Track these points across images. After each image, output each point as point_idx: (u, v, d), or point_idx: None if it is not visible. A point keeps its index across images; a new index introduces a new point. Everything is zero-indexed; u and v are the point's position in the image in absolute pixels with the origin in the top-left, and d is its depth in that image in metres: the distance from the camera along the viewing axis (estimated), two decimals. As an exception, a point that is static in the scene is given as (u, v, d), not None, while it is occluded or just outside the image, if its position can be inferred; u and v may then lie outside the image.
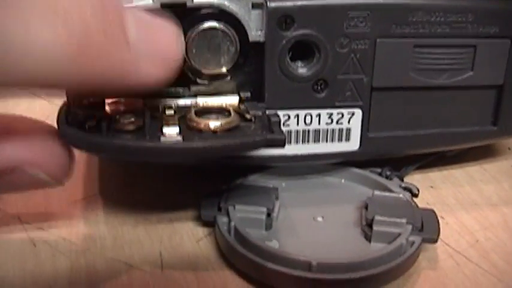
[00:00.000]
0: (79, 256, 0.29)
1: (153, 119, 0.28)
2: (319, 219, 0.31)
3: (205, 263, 0.29)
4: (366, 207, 0.30)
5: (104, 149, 0.26)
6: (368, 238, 0.29)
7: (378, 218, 0.29)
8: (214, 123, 0.27)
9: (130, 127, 0.27)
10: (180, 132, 0.26)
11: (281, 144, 0.26)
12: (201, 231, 0.31)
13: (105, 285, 0.28)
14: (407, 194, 0.32)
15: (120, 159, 0.33)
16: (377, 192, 0.31)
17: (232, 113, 0.28)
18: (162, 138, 0.26)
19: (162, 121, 0.27)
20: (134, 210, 0.33)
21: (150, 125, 0.27)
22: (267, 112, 0.28)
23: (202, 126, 0.27)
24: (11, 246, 0.30)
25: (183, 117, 0.28)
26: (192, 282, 0.28)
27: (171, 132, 0.26)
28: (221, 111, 0.28)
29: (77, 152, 0.36)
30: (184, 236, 0.31)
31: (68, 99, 0.29)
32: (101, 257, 0.29)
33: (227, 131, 0.27)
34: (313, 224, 0.30)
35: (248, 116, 0.28)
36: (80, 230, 0.31)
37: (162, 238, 0.31)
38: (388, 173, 0.33)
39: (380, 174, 0.33)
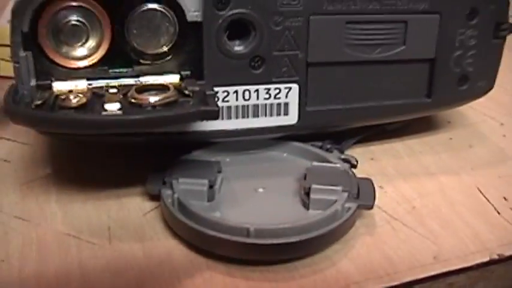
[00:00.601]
0: (30, 231, 0.30)
1: (96, 97, 0.29)
2: (260, 190, 0.32)
3: (151, 235, 0.30)
4: (305, 178, 0.31)
5: (47, 123, 0.27)
6: (306, 206, 0.31)
7: (314, 186, 0.30)
8: (153, 98, 0.28)
9: (74, 104, 0.28)
10: (121, 108, 0.28)
11: (215, 115, 0.27)
12: (148, 206, 0.32)
13: (55, 258, 0.29)
14: (346, 165, 0.33)
15: (65, 136, 0.34)
16: (315, 163, 0.32)
17: (172, 89, 0.29)
18: (103, 113, 0.27)
19: (104, 99, 0.29)
20: (84, 188, 0.34)
21: (92, 102, 0.28)
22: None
23: (142, 101, 0.28)
24: None
25: (125, 94, 0.29)
26: (138, 252, 0.29)
27: (112, 108, 0.28)
28: (161, 88, 0.30)
29: (28, 135, 0.37)
30: (132, 210, 0.32)
31: (16, 80, 0.30)
32: (52, 231, 0.31)
33: (166, 105, 0.28)
34: (254, 195, 0.32)
35: (186, 92, 0.29)
36: (32, 208, 0.32)
37: (110, 213, 0.32)
38: (329, 146, 0.34)
39: (321, 147, 0.34)
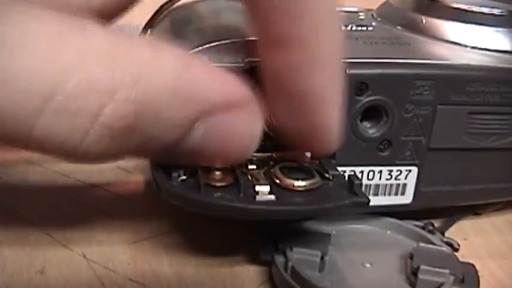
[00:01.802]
0: None
1: (240, 173, 0.30)
2: (367, 265, 0.33)
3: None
4: (411, 257, 0.32)
5: (201, 207, 0.28)
6: (413, 285, 0.32)
7: (423, 267, 0.32)
8: (299, 183, 0.29)
9: (223, 183, 0.29)
10: (272, 191, 0.29)
11: (366, 206, 0.29)
12: (259, 276, 0.33)
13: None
14: (449, 248, 0.34)
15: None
16: (422, 244, 0.34)
17: (313, 172, 0.30)
18: (257, 197, 0.28)
19: (250, 177, 0.30)
20: (196, 253, 0.34)
21: (239, 181, 0.29)
22: (346, 173, 0.31)
23: (289, 186, 0.29)
24: (80, 284, 0.31)
25: (266, 173, 0.30)
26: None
27: (263, 190, 0.29)
28: (301, 168, 0.31)
29: (137, 192, 0.38)
30: (245, 280, 0.33)
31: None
32: None
33: (311, 190, 0.29)
34: (361, 269, 0.33)
35: (327, 175, 0.31)
36: (145, 271, 0.32)
37: (225, 282, 0.32)
38: (431, 227, 0.36)
39: (423, 228, 0.36)
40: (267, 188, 0.29)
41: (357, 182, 0.30)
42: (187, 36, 0.32)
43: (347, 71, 0.31)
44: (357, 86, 0.31)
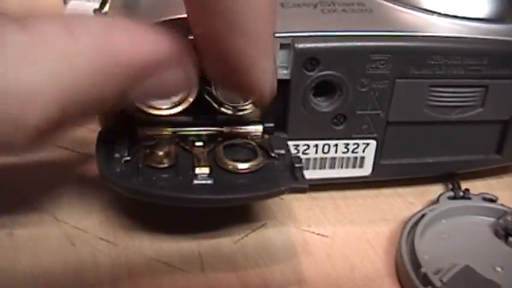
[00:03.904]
0: (119, 254, 0.31)
1: (184, 154, 0.30)
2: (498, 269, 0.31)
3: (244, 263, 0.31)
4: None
5: (140, 196, 0.29)
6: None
7: None
8: (242, 166, 0.29)
9: (164, 164, 0.29)
10: (211, 174, 0.29)
11: (304, 192, 0.28)
12: (237, 234, 0.33)
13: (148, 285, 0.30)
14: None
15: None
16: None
17: (259, 152, 0.30)
18: (195, 181, 0.28)
19: (193, 157, 0.30)
20: (170, 213, 0.34)
21: (181, 163, 0.29)
22: (291, 152, 0.31)
23: (231, 168, 0.29)
24: (50, 245, 0.31)
25: (211, 151, 0.30)
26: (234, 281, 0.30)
27: (203, 172, 0.29)
28: (247, 146, 0.31)
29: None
30: (222, 238, 0.32)
31: (101, 124, 0.31)
32: (141, 257, 0.31)
33: (253, 172, 0.29)
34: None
35: (272, 154, 0.30)
36: (118, 231, 0.33)
37: (200, 241, 0.32)
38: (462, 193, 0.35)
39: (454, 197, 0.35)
40: (206, 171, 0.29)
41: (297, 165, 0.29)
42: (138, 12, 0.32)
43: (296, 45, 0.30)
44: (307, 61, 0.30)
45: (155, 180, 0.29)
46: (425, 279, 0.29)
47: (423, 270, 0.29)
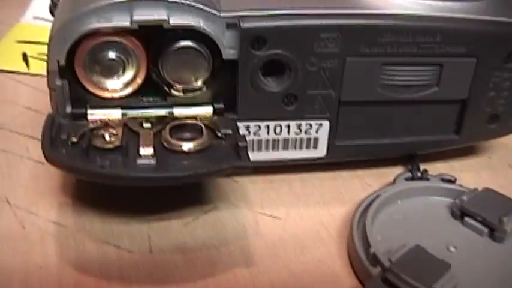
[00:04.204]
0: (68, 237, 0.31)
1: (131, 136, 0.30)
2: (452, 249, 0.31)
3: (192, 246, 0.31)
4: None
5: (83, 175, 0.29)
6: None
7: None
8: (187, 145, 0.29)
9: (109, 146, 0.29)
10: (155, 154, 0.28)
11: (246, 171, 0.28)
12: (189, 217, 0.32)
13: (95, 267, 0.30)
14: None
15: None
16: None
17: (204, 132, 0.30)
18: (138, 161, 0.28)
19: (139, 139, 0.29)
20: (119, 195, 0.33)
21: (127, 144, 0.29)
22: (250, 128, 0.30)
23: (176, 147, 0.29)
24: (0, 228, 0.31)
25: (160, 132, 0.30)
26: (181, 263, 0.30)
27: (147, 153, 0.28)
28: (194, 127, 0.30)
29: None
30: (172, 220, 0.32)
31: (52, 107, 0.31)
32: (90, 239, 0.31)
33: (198, 152, 0.29)
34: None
35: (219, 134, 0.30)
36: (69, 214, 0.32)
37: (150, 223, 0.32)
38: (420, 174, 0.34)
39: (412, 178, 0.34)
40: (150, 151, 0.29)
41: (241, 144, 0.29)
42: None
43: (242, 24, 0.29)
44: (254, 40, 0.30)
45: (99, 160, 0.28)
46: (374, 259, 0.29)
47: (372, 250, 0.29)
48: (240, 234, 0.31)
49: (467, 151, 0.38)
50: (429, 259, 0.29)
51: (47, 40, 0.30)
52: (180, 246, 0.31)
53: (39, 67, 0.43)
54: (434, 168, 0.36)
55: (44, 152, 0.28)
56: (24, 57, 0.45)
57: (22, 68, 0.44)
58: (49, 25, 0.31)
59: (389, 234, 0.31)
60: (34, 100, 0.39)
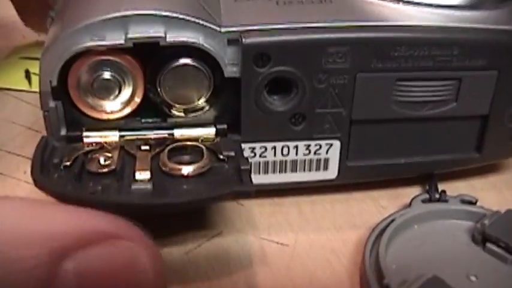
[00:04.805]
0: None
1: (127, 159, 0.28)
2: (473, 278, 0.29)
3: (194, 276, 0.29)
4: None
5: (72, 201, 0.26)
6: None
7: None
8: (186, 169, 0.27)
9: (104, 170, 0.27)
10: (151, 178, 0.27)
11: (248, 195, 0.26)
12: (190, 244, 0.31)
13: None
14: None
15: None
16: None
17: (205, 154, 0.28)
18: (133, 186, 0.26)
19: (135, 163, 0.28)
20: None
21: (123, 167, 0.27)
22: (242, 154, 0.28)
23: (174, 171, 0.27)
24: None
25: (158, 154, 0.28)
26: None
27: (143, 177, 0.27)
28: (194, 149, 0.28)
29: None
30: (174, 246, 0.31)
31: (47, 129, 0.29)
32: None
33: (197, 176, 0.27)
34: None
35: (221, 157, 0.28)
36: None
37: None
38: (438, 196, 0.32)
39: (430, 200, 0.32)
40: (146, 175, 0.27)
41: (243, 167, 0.27)
42: (77, 11, 0.30)
43: (243, 40, 0.28)
44: (256, 56, 0.28)
45: (92, 186, 0.27)
46: (388, 292, 0.27)
47: (386, 281, 0.27)
48: (244, 263, 0.29)
49: (489, 169, 0.35)
50: (447, 291, 0.27)
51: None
52: (180, 276, 0.29)
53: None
54: (454, 187, 0.33)
55: (32, 177, 0.26)
56: (27, 74, 0.44)
57: (24, 85, 0.43)
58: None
59: (405, 263, 0.29)
60: (34, 119, 0.38)
